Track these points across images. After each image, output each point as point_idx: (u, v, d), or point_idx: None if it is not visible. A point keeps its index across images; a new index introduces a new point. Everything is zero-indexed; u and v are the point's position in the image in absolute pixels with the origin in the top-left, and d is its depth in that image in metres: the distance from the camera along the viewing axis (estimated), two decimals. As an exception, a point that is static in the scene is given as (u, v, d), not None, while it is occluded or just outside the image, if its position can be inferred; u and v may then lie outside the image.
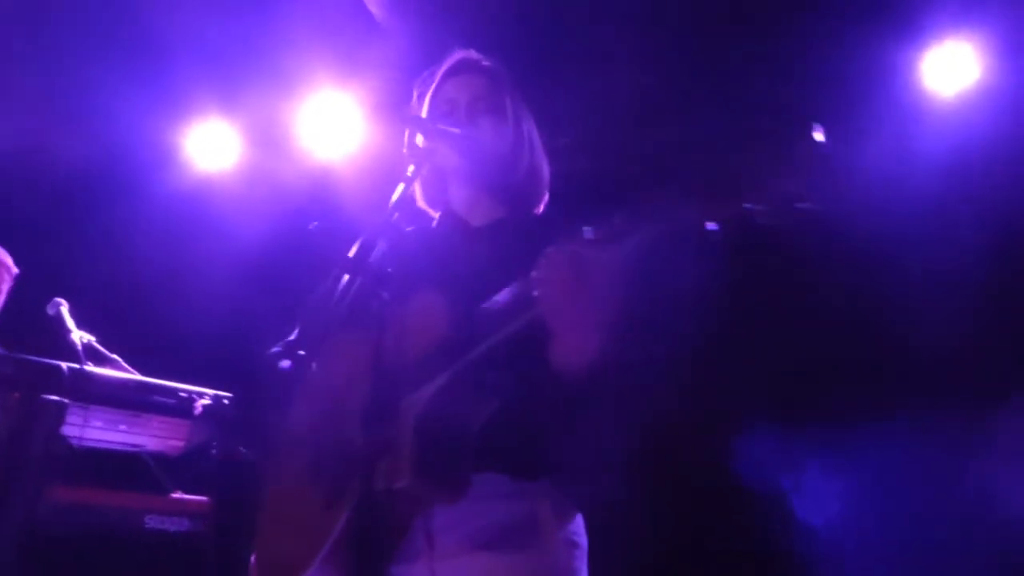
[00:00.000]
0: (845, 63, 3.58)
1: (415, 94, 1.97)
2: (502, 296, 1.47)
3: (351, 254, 1.51)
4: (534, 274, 1.40)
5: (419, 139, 1.80)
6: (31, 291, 3.61)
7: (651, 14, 3.74)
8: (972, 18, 3.73)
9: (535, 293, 1.39)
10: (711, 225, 1.24)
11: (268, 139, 4.74)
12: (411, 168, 1.72)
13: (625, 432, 1.53)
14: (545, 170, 1.94)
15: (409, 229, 1.92)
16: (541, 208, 1.93)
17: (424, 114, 1.90)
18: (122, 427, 3.04)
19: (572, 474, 1.53)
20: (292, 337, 1.80)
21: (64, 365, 2.71)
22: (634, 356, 1.45)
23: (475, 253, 1.78)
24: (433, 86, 1.93)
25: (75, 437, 2.86)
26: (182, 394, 3.13)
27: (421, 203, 1.97)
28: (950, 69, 3.83)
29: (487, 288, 1.52)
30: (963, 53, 3.81)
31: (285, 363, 1.42)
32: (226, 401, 3.10)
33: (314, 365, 1.44)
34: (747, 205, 1.21)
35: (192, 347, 4.29)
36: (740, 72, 3.60)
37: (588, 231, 1.37)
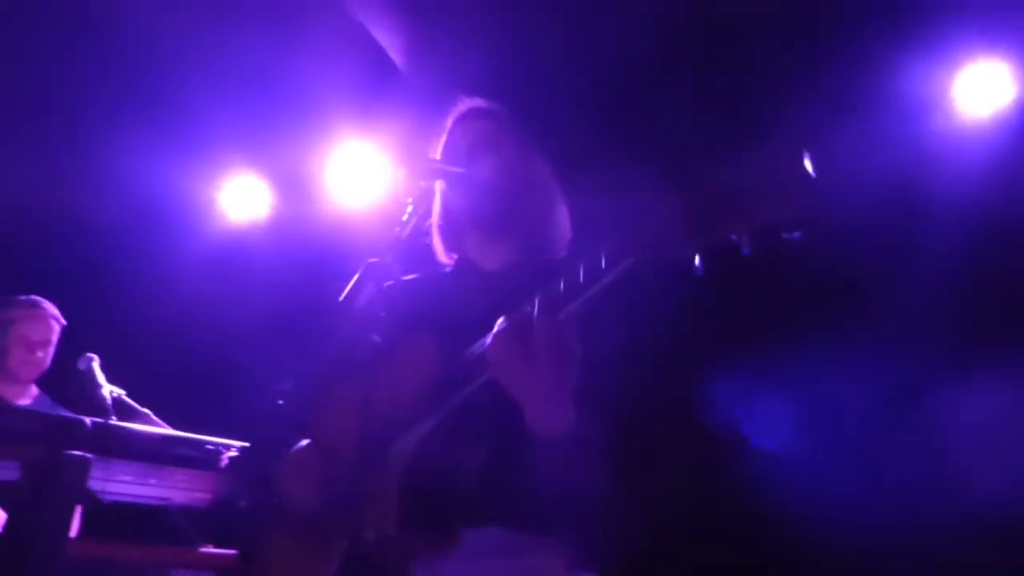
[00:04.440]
0: (874, 84, 3.51)
1: (429, 147, 1.98)
2: (479, 343, 1.43)
3: (340, 298, 1.48)
4: (486, 344, 1.37)
5: (420, 179, 1.79)
6: (68, 344, 3.68)
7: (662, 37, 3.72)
8: (1006, 36, 3.63)
9: (487, 361, 1.36)
10: (695, 257, 1.18)
11: (297, 190, 4.81)
12: (409, 209, 1.70)
13: (624, 489, 1.46)
14: (560, 211, 1.90)
15: (415, 276, 1.90)
16: (561, 251, 1.89)
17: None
18: (149, 480, 3.03)
19: (575, 530, 1.46)
20: (292, 381, 1.78)
21: (87, 420, 2.71)
22: (608, 413, 1.39)
23: (485, 298, 1.74)
24: (443, 135, 1.93)
25: (101, 491, 2.86)
26: (208, 446, 3.11)
27: (437, 248, 1.95)
28: (984, 89, 3.72)
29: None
30: (997, 72, 3.71)
31: (279, 408, 1.39)
32: (249, 453, 3.08)
33: (304, 412, 1.41)
34: (732, 236, 1.16)
35: (227, 398, 4.31)
36: (760, 97, 3.55)
37: (558, 284, 1.32)
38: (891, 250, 3.48)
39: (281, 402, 1.44)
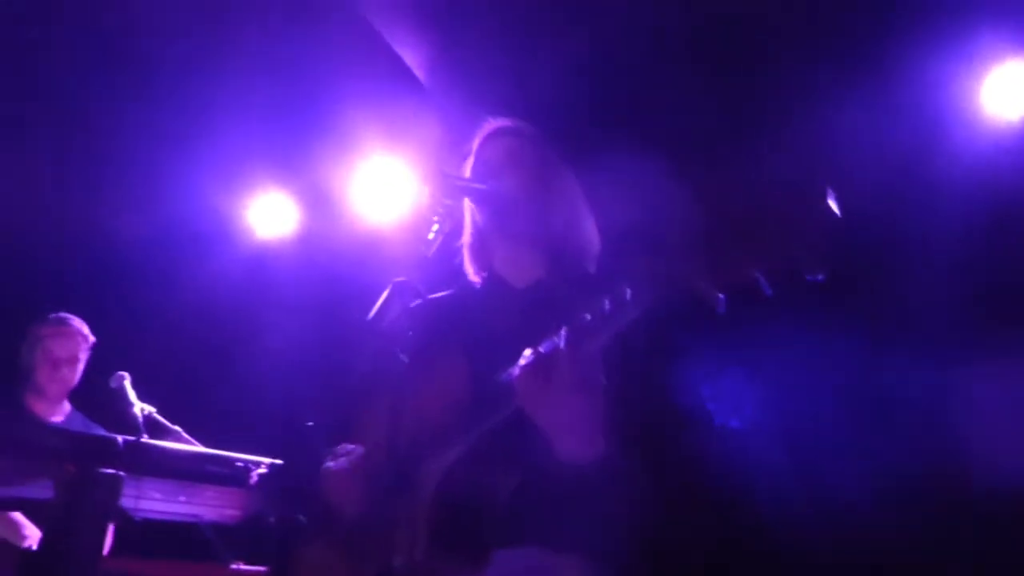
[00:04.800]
0: (901, 88, 3.48)
1: (455, 166, 1.99)
2: (514, 368, 1.43)
3: (369, 317, 1.48)
4: (513, 374, 1.38)
5: (446, 197, 1.79)
6: (96, 362, 3.73)
7: (687, 59, 3.72)
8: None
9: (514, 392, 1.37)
10: (718, 294, 1.17)
11: (324, 206, 4.84)
12: (435, 227, 1.70)
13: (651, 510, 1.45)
14: (589, 229, 1.90)
15: (444, 293, 1.90)
16: (591, 268, 1.89)
17: None
18: (180, 498, 3.05)
19: (606, 548, 1.45)
20: (323, 401, 1.78)
21: (119, 438, 2.74)
22: (633, 445, 1.39)
23: (515, 315, 1.74)
24: (469, 155, 1.95)
25: (132, 508, 2.88)
26: (238, 463, 3.13)
27: (467, 266, 1.95)
28: (1012, 91, 3.67)
29: (522, 351, 1.47)
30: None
31: (314, 428, 1.40)
32: (280, 470, 3.10)
33: (336, 430, 1.41)
34: (756, 274, 1.14)
35: (256, 415, 4.34)
36: (786, 100, 3.53)
37: (584, 317, 1.33)
38: (900, 244, 3.45)
39: (311, 422, 1.45)
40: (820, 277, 1.13)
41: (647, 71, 3.85)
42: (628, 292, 1.27)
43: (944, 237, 3.43)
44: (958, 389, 3.29)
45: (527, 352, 1.37)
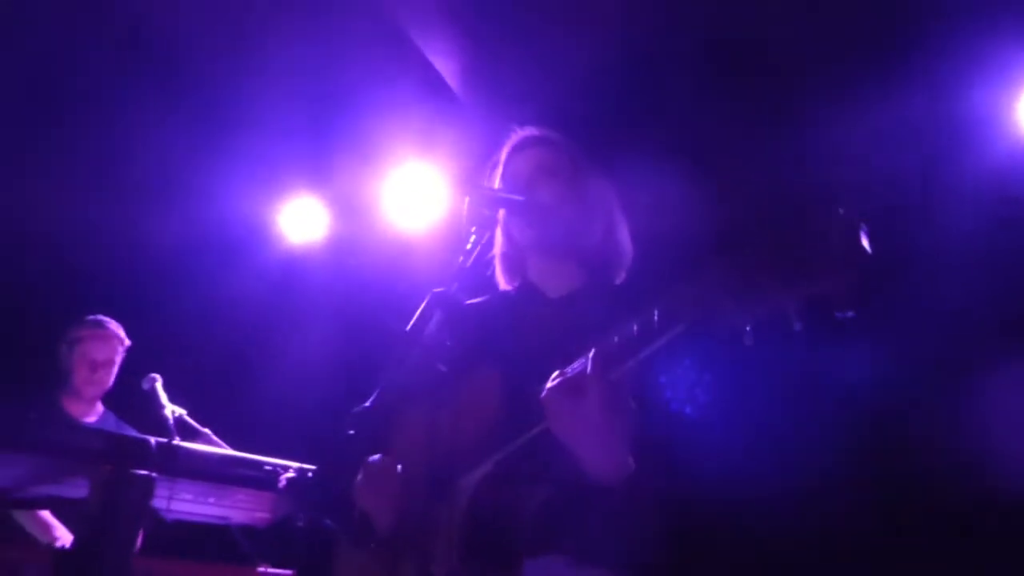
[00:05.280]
0: (935, 109, 3.45)
1: (486, 176, 1.99)
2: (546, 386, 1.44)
3: (408, 327, 1.49)
4: (543, 394, 1.39)
5: (482, 208, 1.79)
6: (129, 363, 3.78)
7: (712, 76, 3.71)
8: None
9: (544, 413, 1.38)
10: (745, 325, 1.17)
11: (355, 212, 4.87)
12: (472, 238, 1.71)
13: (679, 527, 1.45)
14: (624, 237, 1.90)
15: (479, 300, 1.91)
16: (623, 276, 1.89)
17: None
18: (209, 500, 3.08)
19: (630, 560, 1.45)
20: (362, 408, 1.79)
21: (152, 440, 2.77)
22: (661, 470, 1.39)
23: (549, 325, 1.74)
24: (500, 165, 1.95)
25: (163, 510, 2.91)
26: (267, 467, 3.15)
27: (500, 276, 1.96)
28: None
29: (556, 363, 1.48)
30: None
31: (351, 434, 1.41)
32: (310, 474, 3.11)
33: (373, 438, 1.42)
34: (786, 307, 1.14)
35: (285, 419, 4.37)
36: (818, 121, 3.51)
37: (614, 337, 1.33)
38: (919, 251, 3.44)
39: (352, 430, 1.46)
40: (850, 314, 1.12)
41: (676, 81, 3.85)
42: (656, 317, 1.28)
43: (962, 248, 3.41)
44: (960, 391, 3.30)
45: (555, 374, 1.39)
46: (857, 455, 3.41)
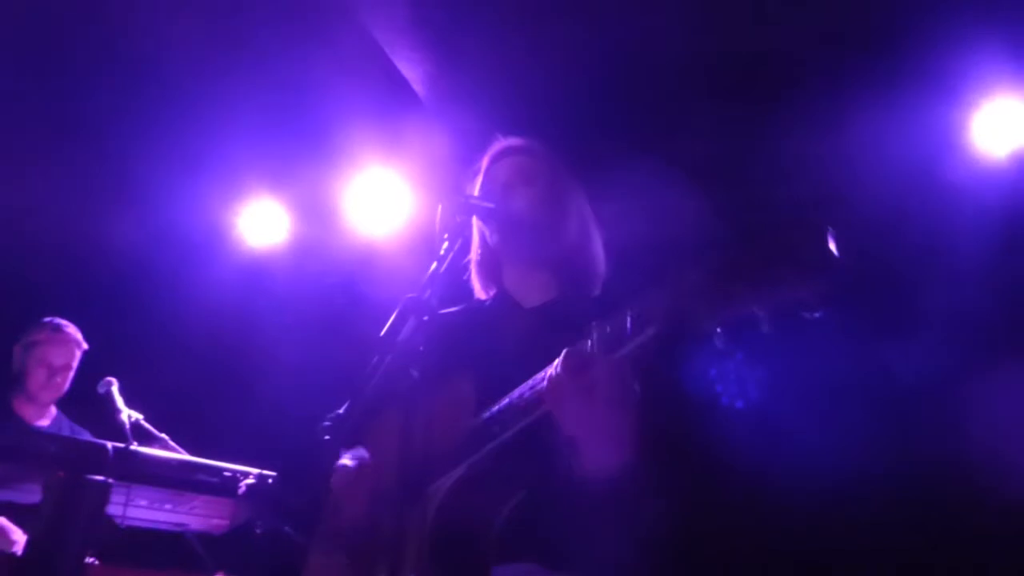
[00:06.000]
0: (890, 126, 3.53)
1: (467, 183, 1.99)
2: (525, 385, 1.44)
3: (382, 333, 1.49)
4: (547, 375, 1.38)
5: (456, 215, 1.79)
6: (86, 367, 3.70)
7: (686, 88, 3.76)
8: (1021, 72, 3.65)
9: (545, 397, 1.37)
10: (716, 328, 1.19)
11: (317, 216, 4.83)
12: (445, 245, 1.71)
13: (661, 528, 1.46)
14: (598, 248, 1.91)
15: (454, 309, 1.91)
16: (598, 287, 1.90)
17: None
18: (166, 506, 3.03)
19: (608, 564, 1.46)
20: (336, 414, 1.78)
21: (109, 445, 2.72)
22: (657, 464, 1.40)
23: (523, 335, 1.75)
24: (479, 175, 1.95)
25: (119, 516, 2.86)
26: (226, 473, 3.11)
27: (475, 284, 1.96)
28: (1001, 128, 3.73)
29: (528, 374, 1.48)
30: (1014, 110, 3.72)
31: (325, 440, 1.41)
32: (271, 480, 3.08)
33: (348, 445, 1.42)
34: (756, 311, 1.17)
35: (246, 424, 4.31)
36: (774, 139, 3.59)
37: (600, 327, 1.34)
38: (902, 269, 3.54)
39: (325, 435, 1.46)
40: (817, 315, 1.16)
41: (649, 90, 3.89)
42: (628, 322, 1.29)
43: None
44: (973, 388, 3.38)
45: (564, 353, 1.38)
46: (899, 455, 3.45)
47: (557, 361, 1.38)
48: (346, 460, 1.61)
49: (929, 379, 3.43)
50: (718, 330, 1.20)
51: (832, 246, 1.12)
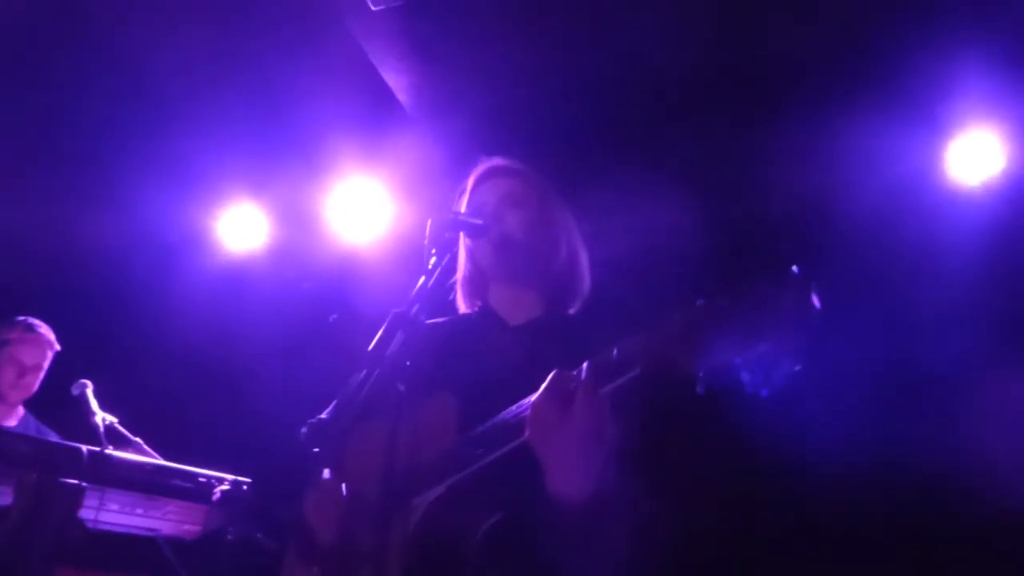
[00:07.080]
0: (866, 154, 3.60)
1: (453, 202, 2.01)
2: (511, 409, 1.47)
3: (370, 346, 1.50)
4: (530, 404, 1.40)
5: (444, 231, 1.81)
6: (61, 370, 3.66)
7: (672, 109, 3.81)
8: (996, 105, 3.74)
9: (526, 425, 1.40)
10: (697, 374, 1.23)
11: (297, 222, 4.82)
12: (432, 260, 1.73)
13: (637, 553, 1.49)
14: (584, 268, 1.94)
15: (439, 321, 1.92)
16: (578, 306, 1.92)
17: None
18: (138, 511, 3.00)
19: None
20: (315, 420, 1.79)
21: (84, 448, 2.70)
22: (632, 494, 1.43)
23: (506, 353, 1.76)
24: (465, 195, 1.97)
25: (91, 520, 2.83)
26: (201, 479, 3.09)
27: (460, 300, 1.97)
28: (975, 158, 3.82)
29: (513, 391, 1.50)
30: (988, 141, 3.81)
31: (310, 447, 1.41)
32: (245, 486, 3.06)
33: (331, 454, 1.43)
34: (735, 359, 1.20)
35: (222, 429, 4.28)
36: (758, 157, 3.64)
37: (589, 363, 1.38)
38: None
39: (306, 440, 1.46)
40: (797, 368, 1.19)
41: (633, 103, 3.93)
42: (613, 361, 1.33)
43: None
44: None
45: (549, 378, 1.40)
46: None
47: (543, 387, 1.40)
48: (324, 476, 1.61)
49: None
50: (700, 376, 1.24)
51: (815, 300, 1.15)
